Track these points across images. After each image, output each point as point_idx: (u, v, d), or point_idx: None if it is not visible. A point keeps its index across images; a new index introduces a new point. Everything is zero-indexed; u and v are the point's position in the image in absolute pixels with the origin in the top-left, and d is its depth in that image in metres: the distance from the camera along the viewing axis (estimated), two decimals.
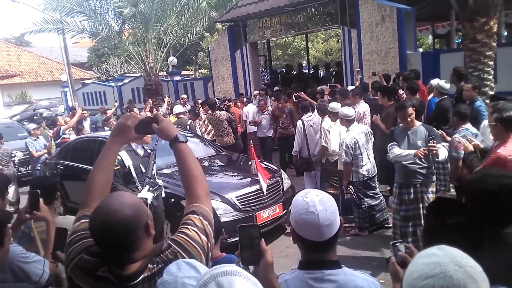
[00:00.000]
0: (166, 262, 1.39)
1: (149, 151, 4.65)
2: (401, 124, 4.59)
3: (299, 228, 1.51)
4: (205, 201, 1.60)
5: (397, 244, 1.65)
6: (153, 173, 4.58)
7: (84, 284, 1.41)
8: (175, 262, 1.31)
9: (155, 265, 1.40)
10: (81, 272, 1.42)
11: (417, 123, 4.47)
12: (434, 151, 4.09)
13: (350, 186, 5.41)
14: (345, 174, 5.45)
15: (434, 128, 4.59)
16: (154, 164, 4.63)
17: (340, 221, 1.54)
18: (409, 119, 4.40)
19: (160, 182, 4.66)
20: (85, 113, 11.28)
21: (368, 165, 5.38)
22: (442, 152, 4.19)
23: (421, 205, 4.38)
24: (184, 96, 12.36)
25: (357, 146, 5.29)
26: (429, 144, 4.12)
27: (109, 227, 1.35)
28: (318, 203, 1.49)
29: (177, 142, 1.69)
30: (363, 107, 6.51)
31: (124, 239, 1.37)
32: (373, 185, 5.53)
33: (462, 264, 0.96)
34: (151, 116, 1.79)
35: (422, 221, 4.29)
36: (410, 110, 4.40)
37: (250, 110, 9.31)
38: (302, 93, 8.32)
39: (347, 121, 5.43)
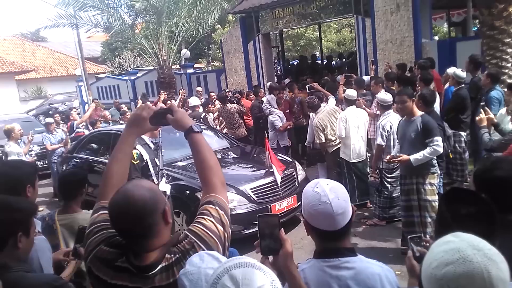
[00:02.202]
0: (183, 252, 1.41)
1: (155, 144, 4.69)
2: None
3: (313, 219, 1.51)
4: (221, 191, 1.60)
5: (414, 238, 1.63)
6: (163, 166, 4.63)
7: (103, 274, 1.42)
8: (198, 254, 1.31)
9: (172, 255, 1.41)
10: (100, 263, 1.44)
11: (418, 113, 4.35)
12: (391, 165, 4.51)
13: (377, 171, 5.34)
14: (376, 157, 5.36)
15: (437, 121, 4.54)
16: (163, 157, 4.69)
17: (352, 208, 1.54)
18: (400, 106, 4.43)
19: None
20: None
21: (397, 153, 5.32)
22: (415, 161, 4.19)
23: (416, 196, 4.32)
24: (199, 88, 12.37)
25: (391, 131, 5.21)
26: (389, 158, 4.42)
27: (127, 207, 1.36)
28: (329, 192, 1.48)
29: (192, 133, 1.68)
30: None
31: (141, 221, 1.37)
32: (397, 175, 5.46)
33: (480, 248, 0.97)
34: (166, 107, 1.78)
35: (420, 213, 4.32)
36: (404, 97, 4.33)
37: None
38: (316, 83, 8.23)
39: (384, 107, 5.34)
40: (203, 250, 1.41)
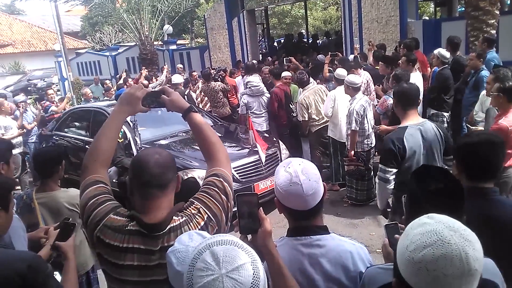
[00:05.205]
0: (189, 216, 1.51)
1: (131, 122, 4.62)
2: (408, 122, 3.12)
3: (284, 198, 1.52)
4: (225, 165, 1.69)
5: (390, 225, 1.63)
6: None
7: (115, 240, 1.48)
8: (187, 233, 1.36)
9: (180, 217, 1.50)
10: (111, 230, 1.50)
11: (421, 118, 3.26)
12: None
13: (354, 157, 5.28)
14: (352, 144, 5.25)
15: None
16: (140, 135, 4.65)
17: (323, 187, 1.55)
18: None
19: None
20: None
21: (372, 135, 5.31)
22: None
23: None
24: (180, 66, 12.15)
25: (365, 114, 5.16)
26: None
27: (157, 156, 1.52)
28: (300, 173, 1.49)
29: (191, 112, 1.74)
30: (363, 76, 6.37)
31: (165, 171, 1.51)
32: (372, 156, 5.50)
33: (456, 229, 0.97)
34: (159, 89, 1.80)
35: None
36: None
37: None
38: (293, 58, 8.21)
39: (354, 89, 5.23)
40: (208, 215, 1.52)
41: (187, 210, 1.53)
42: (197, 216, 1.51)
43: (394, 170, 3.01)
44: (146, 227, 1.47)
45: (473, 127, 3.99)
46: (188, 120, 1.75)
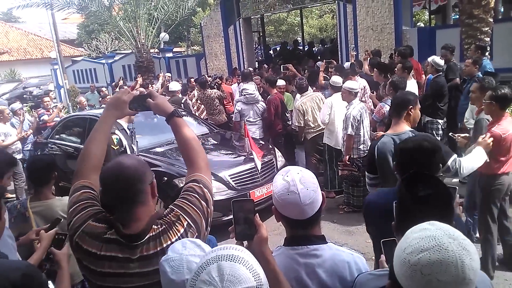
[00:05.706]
0: (169, 224, 1.49)
1: (128, 130, 4.62)
2: (388, 131, 3.15)
3: (281, 207, 1.51)
4: (205, 171, 1.69)
5: (388, 242, 1.62)
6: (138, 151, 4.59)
7: (92, 248, 1.47)
8: (180, 241, 1.34)
9: (159, 226, 1.48)
10: (89, 237, 1.48)
11: (405, 127, 3.01)
12: None
13: (349, 162, 5.28)
14: (348, 149, 5.26)
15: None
16: (137, 142, 4.65)
17: (322, 196, 1.53)
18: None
19: None
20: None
21: (368, 141, 5.32)
22: None
23: None
24: (168, 74, 12.17)
25: (361, 120, 5.18)
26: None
27: (119, 171, 1.46)
28: (298, 182, 1.48)
29: (175, 117, 1.74)
30: (360, 83, 6.39)
31: (132, 185, 1.46)
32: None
33: (455, 237, 0.97)
34: (146, 93, 1.83)
35: None
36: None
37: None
38: (291, 65, 8.26)
39: (353, 95, 5.27)
40: (188, 222, 1.50)
41: (167, 217, 1.51)
42: (176, 224, 1.49)
43: (373, 175, 3.09)
44: (125, 237, 1.45)
45: (456, 135, 3.99)
46: (171, 124, 1.75)
